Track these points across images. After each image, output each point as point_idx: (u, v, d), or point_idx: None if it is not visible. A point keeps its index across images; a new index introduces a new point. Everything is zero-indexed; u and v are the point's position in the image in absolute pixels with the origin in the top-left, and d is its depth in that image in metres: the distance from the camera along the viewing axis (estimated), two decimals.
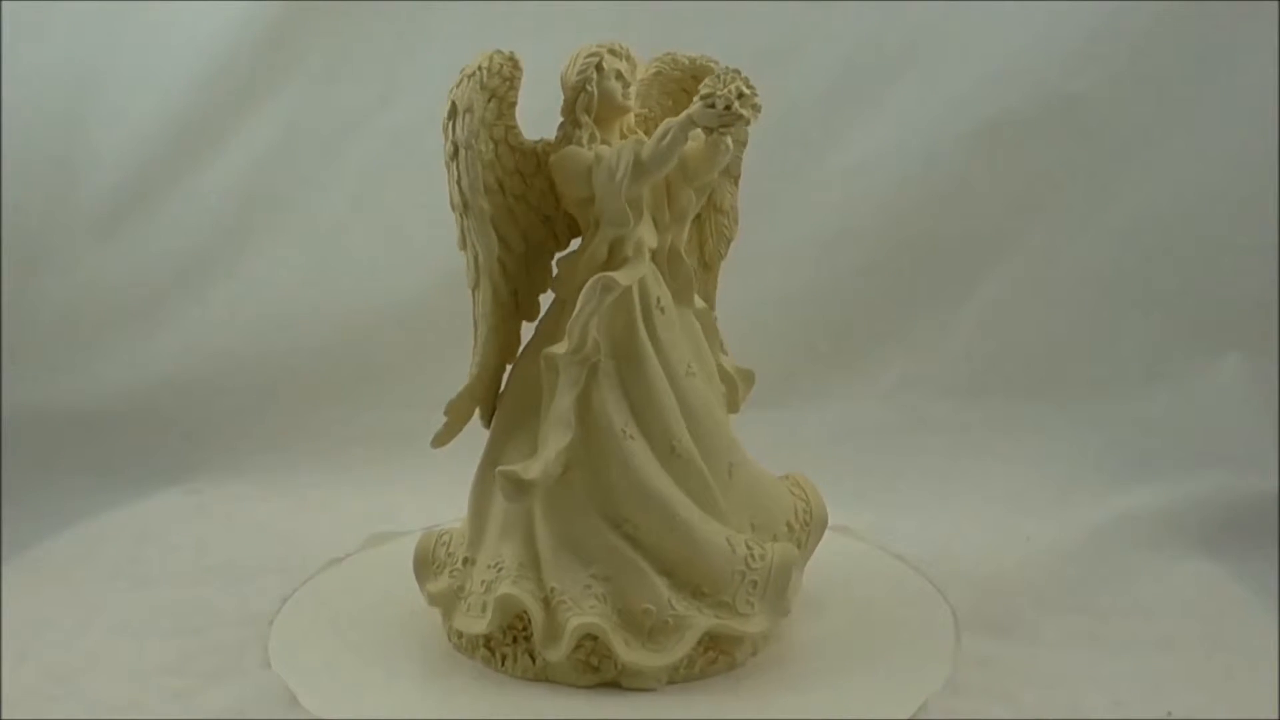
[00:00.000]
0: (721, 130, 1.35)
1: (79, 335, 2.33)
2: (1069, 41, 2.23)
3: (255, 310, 2.34)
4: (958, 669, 1.43)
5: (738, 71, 1.34)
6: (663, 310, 1.43)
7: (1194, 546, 1.74)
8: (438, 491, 1.62)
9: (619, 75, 1.42)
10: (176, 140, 2.38)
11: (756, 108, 1.34)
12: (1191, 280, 2.22)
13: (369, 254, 2.34)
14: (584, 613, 1.37)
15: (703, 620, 1.39)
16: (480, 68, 1.38)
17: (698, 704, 1.37)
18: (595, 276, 1.37)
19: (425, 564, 1.52)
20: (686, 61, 1.47)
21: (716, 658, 1.42)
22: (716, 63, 1.46)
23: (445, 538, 1.53)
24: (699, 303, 1.50)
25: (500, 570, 1.42)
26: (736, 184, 1.54)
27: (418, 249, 2.23)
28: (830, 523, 1.79)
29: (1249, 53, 2.18)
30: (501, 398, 1.48)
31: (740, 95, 1.32)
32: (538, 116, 1.47)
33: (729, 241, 1.56)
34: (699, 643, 1.40)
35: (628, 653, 1.38)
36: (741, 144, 1.50)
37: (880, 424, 2.17)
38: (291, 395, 2.25)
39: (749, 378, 1.56)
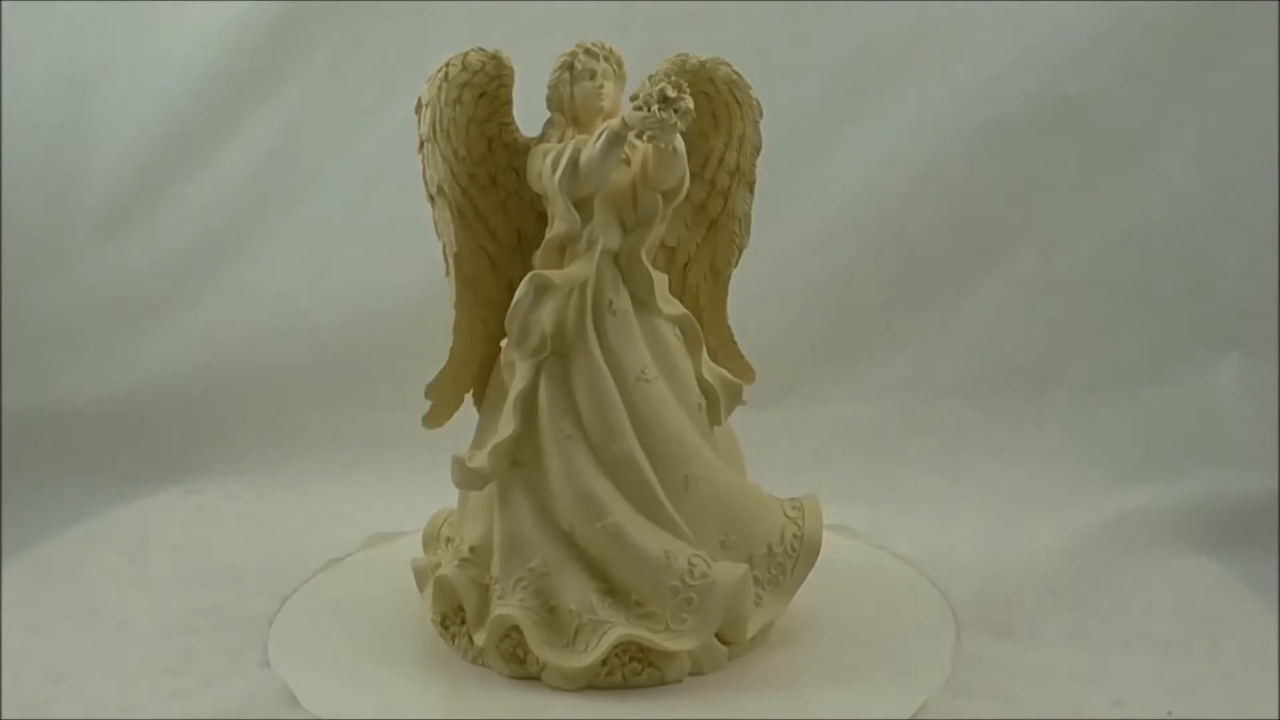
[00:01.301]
0: (651, 135, 1.32)
1: (79, 335, 2.33)
2: (1069, 42, 2.22)
3: (255, 310, 2.34)
4: (958, 669, 1.43)
5: (668, 75, 1.33)
6: (615, 313, 1.41)
7: (1194, 546, 1.74)
8: (437, 491, 1.61)
9: (592, 75, 1.42)
10: (176, 141, 2.38)
11: (682, 112, 1.31)
12: (1191, 280, 2.22)
13: (369, 254, 2.34)
14: (510, 605, 1.39)
15: (620, 628, 1.37)
16: (449, 64, 1.41)
17: (697, 704, 1.37)
18: (531, 273, 1.39)
19: (429, 540, 1.59)
20: (696, 63, 1.45)
21: (641, 670, 1.40)
22: (728, 65, 1.45)
23: (454, 518, 1.57)
24: (674, 309, 1.46)
25: (457, 553, 1.47)
26: (751, 191, 1.52)
27: (417, 249, 2.22)
28: (830, 523, 1.80)
29: (1249, 53, 2.18)
30: (489, 384, 1.51)
31: (664, 99, 1.30)
32: (541, 115, 1.48)
33: (740, 250, 1.54)
34: (623, 651, 1.38)
35: (542, 649, 1.38)
36: (756, 149, 1.49)
37: (880, 424, 2.17)
38: (291, 396, 2.25)
39: (734, 390, 1.49)
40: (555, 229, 1.40)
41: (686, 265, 1.56)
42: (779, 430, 2.11)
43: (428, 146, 1.43)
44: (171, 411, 2.23)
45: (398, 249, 2.30)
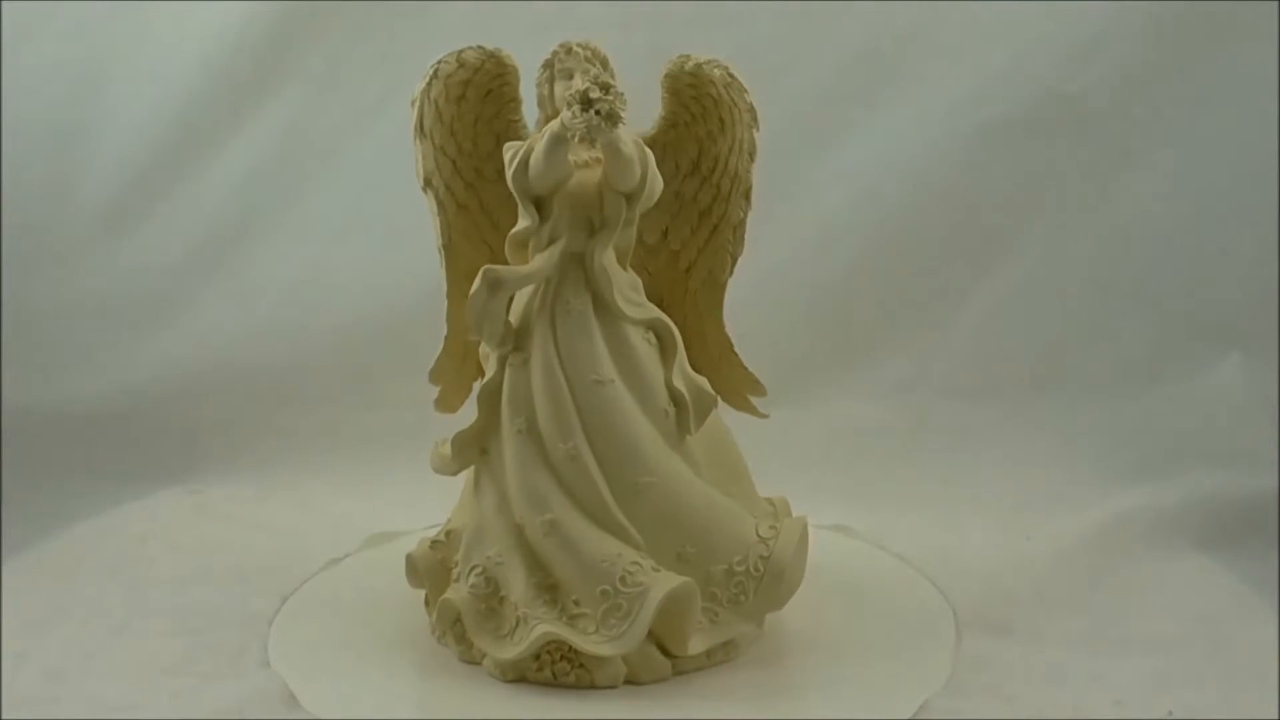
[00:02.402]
0: (581, 137, 1.31)
1: (79, 335, 2.33)
2: (1068, 42, 2.22)
3: (255, 310, 2.34)
4: (958, 669, 1.43)
5: (597, 75, 1.32)
6: (570, 313, 1.41)
7: (1194, 546, 1.74)
8: (438, 491, 1.62)
9: (570, 74, 1.42)
10: (176, 141, 2.38)
11: (604, 113, 1.29)
12: (1191, 280, 2.22)
13: (369, 254, 2.34)
14: (459, 591, 1.43)
15: (544, 625, 1.37)
16: (441, 61, 1.45)
17: (696, 703, 1.37)
18: (484, 267, 1.40)
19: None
20: (692, 65, 1.44)
21: (570, 670, 1.39)
22: (723, 67, 1.44)
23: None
24: (644, 313, 1.44)
25: (436, 536, 1.51)
26: (748, 198, 1.50)
27: (418, 249, 2.23)
28: (830, 523, 1.80)
29: (1249, 53, 2.18)
30: None
31: (585, 101, 1.29)
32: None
33: (734, 259, 1.52)
34: (555, 649, 1.39)
35: (480, 637, 1.41)
36: (751, 155, 1.48)
37: (880, 424, 2.17)
38: (291, 395, 2.25)
39: (705, 400, 1.45)
40: (517, 225, 1.42)
41: (689, 270, 1.56)
42: (779, 430, 2.10)
43: (418, 140, 1.46)
44: (171, 411, 2.23)
45: (398, 249, 2.30)
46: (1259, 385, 2.12)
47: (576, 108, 1.29)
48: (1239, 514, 1.81)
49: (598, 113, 1.29)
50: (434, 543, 1.51)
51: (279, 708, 1.37)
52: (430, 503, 1.63)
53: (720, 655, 1.44)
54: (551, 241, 1.40)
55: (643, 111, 1.47)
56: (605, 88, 1.30)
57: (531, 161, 1.38)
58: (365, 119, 2.35)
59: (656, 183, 1.41)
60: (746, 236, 1.52)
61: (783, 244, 2.26)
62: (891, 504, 1.91)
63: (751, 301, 2.16)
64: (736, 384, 1.56)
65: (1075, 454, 2.04)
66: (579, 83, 1.32)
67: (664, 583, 1.36)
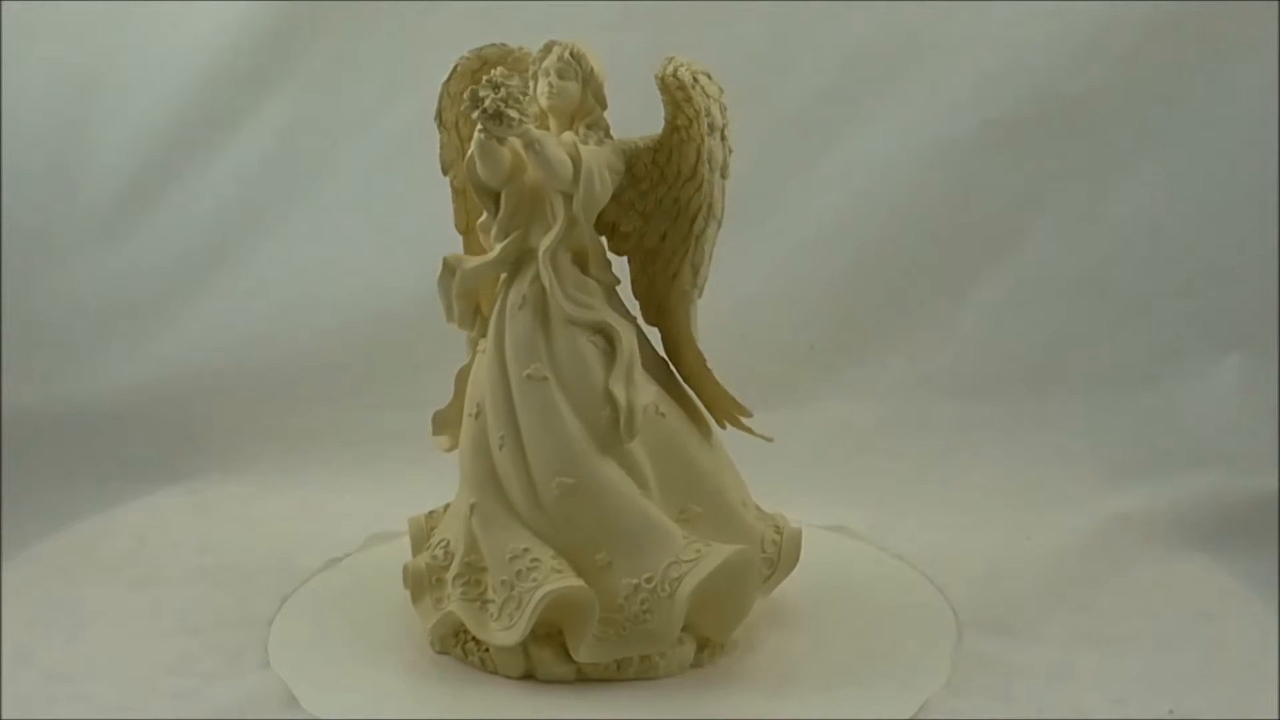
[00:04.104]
0: (486, 134, 1.34)
1: (79, 335, 2.33)
2: (1069, 41, 2.22)
3: (255, 310, 2.34)
4: (958, 668, 1.43)
5: (493, 74, 1.33)
6: (519, 307, 1.42)
7: (1194, 546, 1.74)
8: (438, 491, 1.61)
9: (548, 74, 1.43)
10: (177, 141, 2.38)
11: (489, 112, 1.31)
12: (1191, 280, 2.22)
13: (370, 254, 2.34)
14: (415, 560, 1.52)
15: (452, 605, 1.43)
16: (463, 57, 1.49)
17: (696, 703, 1.37)
18: (445, 255, 1.46)
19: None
20: (671, 67, 1.40)
21: (476, 653, 1.45)
22: (691, 69, 1.40)
23: None
24: (588, 315, 1.41)
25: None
26: (711, 209, 1.43)
27: (417, 250, 2.23)
28: (830, 523, 1.80)
29: (1249, 53, 2.18)
30: None
31: (473, 100, 1.31)
32: None
33: (694, 269, 1.45)
34: (463, 630, 1.44)
35: (419, 604, 1.48)
36: (713, 166, 1.42)
37: (880, 424, 2.16)
38: (291, 395, 2.25)
39: (634, 416, 1.39)
40: (483, 215, 1.46)
41: (675, 275, 1.49)
42: (779, 430, 2.10)
43: (439, 130, 1.51)
44: (171, 411, 2.23)
45: (398, 249, 2.30)
46: (1259, 385, 2.11)
47: (466, 105, 1.33)
48: (1239, 514, 1.81)
49: (484, 111, 1.31)
50: (431, 513, 1.58)
51: (279, 708, 1.37)
52: (430, 503, 1.63)
53: (635, 670, 1.42)
54: (508, 234, 1.42)
55: (648, 114, 1.47)
56: (496, 86, 1.32)
57: (470, 157, 1.40)
58: (365, 119, 2.35)
59: (595, 185, 1.39)
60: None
61: (783, 243, 2.26)
62: (891, 504, 1.90)
63: (752, 301, 2.18)
64: (719, 402, 1.51)
65: (1075, 454, 2.03)
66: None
67: (554, 583, 1.36)
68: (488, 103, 1.31)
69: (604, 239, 1.49)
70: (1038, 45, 2.23)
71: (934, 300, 2.28)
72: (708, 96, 1.40)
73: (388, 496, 1.93)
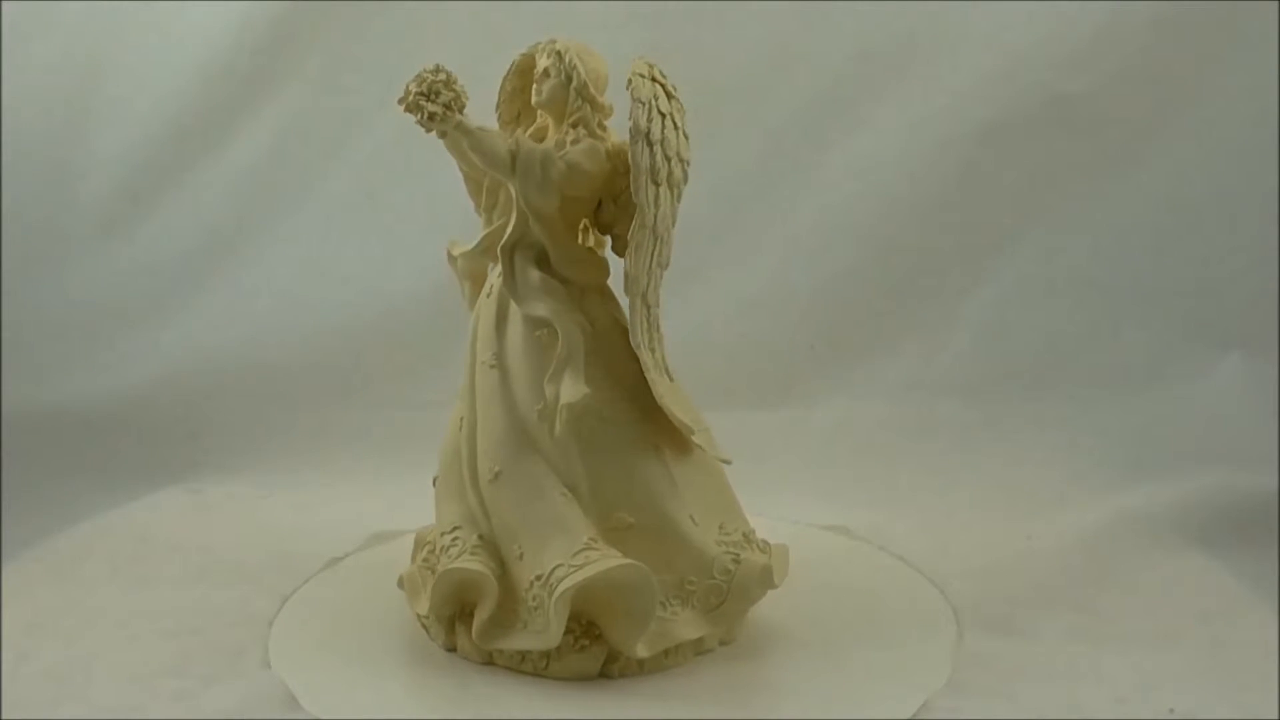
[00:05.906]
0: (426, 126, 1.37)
1: (79, 335, 2.34)
2: (1068, 41, 2.23)
3: (255, 310, 2.34)
4: (958, 668, 1.43)
5: (423, 70, 1.35)
6: (488, 295, 1.48)
7: (1194, 545, 1.74)
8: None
9: (544, 72, 1.43)
10: (176, 140, 2.38)
11: (408, 105, 1.34)
12: (1191, 280, 2.22)
13: (369, 254, 2.34)
14: (410, 569, 1.55)
15: (408, 570, 1.52)
16: (523, 54, 1.49)
17: (695, 703, 1.37)
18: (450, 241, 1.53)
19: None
20: (642, 65, 1.38)
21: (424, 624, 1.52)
22: (642, 67, 1.38)
23: None
24: (537, 309, 1.40)
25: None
26: (643, 225, 1.37)
27: (417, 249, 2.23)
28: (830, 523, 1.80)
29: (1249, 53, 2.18)
30: None
31: (405, 93, 1.35)
32: None
33: (634, 278, 1.38)
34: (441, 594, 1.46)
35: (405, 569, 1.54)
36: (653, 180, 1.35)
37: (880, 424, 2.17)
38: (291, 395, 2.25)
39: (554, 411, 1.37)
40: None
41: (631, 279, 1.43)
42: (779, 430, 2.11)
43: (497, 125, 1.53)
44: (171, 411, 2.23)
45: (397, 249, 2.30)
46: (1259, 385, 2.12)
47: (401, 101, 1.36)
48: (1239, 514, 1.81)
49: (404, 104, 1.35)
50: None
51: (279, 708, 1.37)
52: (430, 502, 1.63)
53: (533, 665, 1.42)
54: (492, 224, 1.49)
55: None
56: (420, 80, 1.35)
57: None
58: (365, 119, 2.35)
59: (534, 178, 1.38)
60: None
61: (783, 243, 2.26)
62: (891, 504, 1.90)
63: (752, 301, 2.18)
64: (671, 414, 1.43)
65: (1075, 454, 2.04)
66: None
67: (459, 565, 1.41)
68: (410, 98, 1.35)
69: (608, 239, 1.48)
70: (1038, 45, 2.23)
71: (934, 300, 2.28)
72: (639, 102, 1.35)
73: (388, 496, 1.93)
